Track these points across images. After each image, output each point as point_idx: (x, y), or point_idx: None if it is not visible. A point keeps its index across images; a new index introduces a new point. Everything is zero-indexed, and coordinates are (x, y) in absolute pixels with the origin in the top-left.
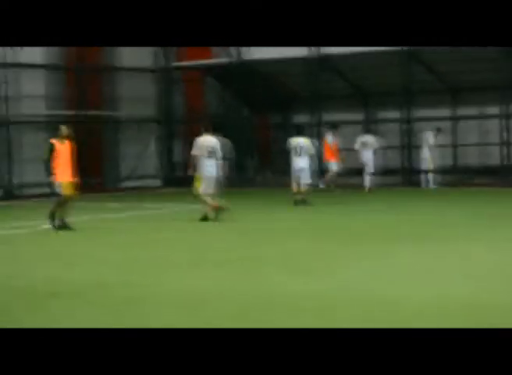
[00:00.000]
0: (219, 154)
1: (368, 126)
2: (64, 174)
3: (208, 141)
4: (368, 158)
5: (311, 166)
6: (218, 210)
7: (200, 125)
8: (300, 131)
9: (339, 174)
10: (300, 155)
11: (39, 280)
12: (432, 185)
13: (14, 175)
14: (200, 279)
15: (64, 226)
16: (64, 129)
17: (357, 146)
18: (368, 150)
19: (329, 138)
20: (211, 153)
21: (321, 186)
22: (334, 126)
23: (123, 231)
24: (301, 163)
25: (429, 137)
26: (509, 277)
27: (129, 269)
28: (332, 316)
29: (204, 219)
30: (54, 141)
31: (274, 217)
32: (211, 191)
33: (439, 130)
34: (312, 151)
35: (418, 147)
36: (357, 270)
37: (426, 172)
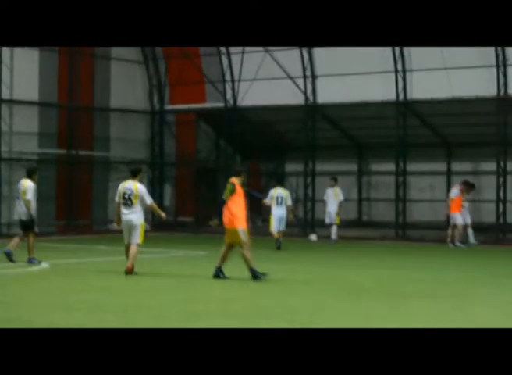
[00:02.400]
0: (148, 200)
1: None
2: (243, 220)
3: (125, 186)
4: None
5: (287, 215)
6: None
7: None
8: (279, 181)
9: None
10: (279, 204)
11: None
12: (472, 241)
13: (2, 213)
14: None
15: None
16: (243, 174)
17: (325, 197)
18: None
19: (454, 192)
20: (127, 200)
21: (451, 245)
22: (467, 183)
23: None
24: (281, 212)
25: (455, 191)
26: None
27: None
28: None
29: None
30: (235, 181)
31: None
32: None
33: (472, 187)
34: (289, 202)
35: (412, 201)
36: None
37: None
